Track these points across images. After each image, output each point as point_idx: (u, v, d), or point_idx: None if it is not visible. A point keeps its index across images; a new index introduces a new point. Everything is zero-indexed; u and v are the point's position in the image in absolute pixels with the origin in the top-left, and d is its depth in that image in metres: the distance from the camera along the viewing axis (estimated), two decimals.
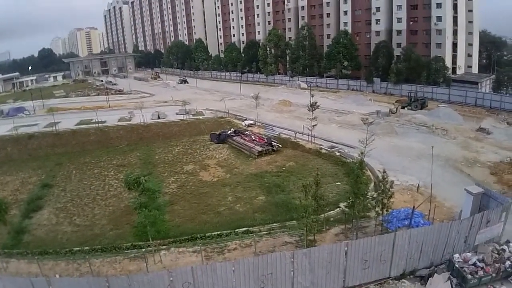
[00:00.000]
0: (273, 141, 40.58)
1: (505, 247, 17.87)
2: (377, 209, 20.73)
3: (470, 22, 76.19)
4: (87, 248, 24.02)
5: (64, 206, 31.05)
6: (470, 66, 78.48)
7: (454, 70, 72.38)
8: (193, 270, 14.65)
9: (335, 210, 25.82)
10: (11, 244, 25.27)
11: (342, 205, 25.95)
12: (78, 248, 24.11)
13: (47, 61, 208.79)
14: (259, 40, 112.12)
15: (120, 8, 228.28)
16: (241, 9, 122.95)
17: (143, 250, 21.30)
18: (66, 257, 23.17)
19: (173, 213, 27.25)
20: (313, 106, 38.10)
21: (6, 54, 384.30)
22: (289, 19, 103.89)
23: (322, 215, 23.19)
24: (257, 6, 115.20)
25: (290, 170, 34.19)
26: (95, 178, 36.97)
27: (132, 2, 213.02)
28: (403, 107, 56.01)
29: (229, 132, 45.43)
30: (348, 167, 33.11)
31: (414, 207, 21.20)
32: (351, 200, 21.52)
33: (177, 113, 58.31)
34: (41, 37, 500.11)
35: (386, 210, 20.65)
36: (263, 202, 27.99)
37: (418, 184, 28.76)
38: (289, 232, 22.61)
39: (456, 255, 17.37)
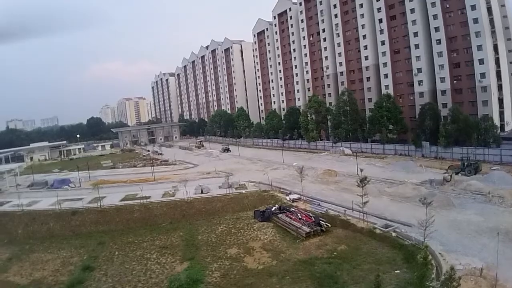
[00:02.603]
0: (321, 220, 38.15)
1: None
2: None
3: None
4: None
5: None
6: None
7: (502, 127, 68.86)
8: None
9: None
10: None
11: None
12: None
13: (95, 130, 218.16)
14: (299, 106, 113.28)
15: (167, 80, 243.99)
16: (280, 78, 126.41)
17: None
18: None
19: None
20: (363, 182, 35.83)
21: (54, 119, 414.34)
22: (329, 85, 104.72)
23: None
24: (296, 74, 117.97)
25: (342, 255, 31.47)
26: (137, 262, 36.05)
27: (178, 75, 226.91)
28: (456, 173, 52.38)
29: (273, 208, 43.67)
30: (406, 251, 30.28)
31: None
32: None
33: (220, 187, 57.61)
34: (90, 105, 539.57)
35: None
36: None
37: (482, 268, 25.56)
38: None
39: None
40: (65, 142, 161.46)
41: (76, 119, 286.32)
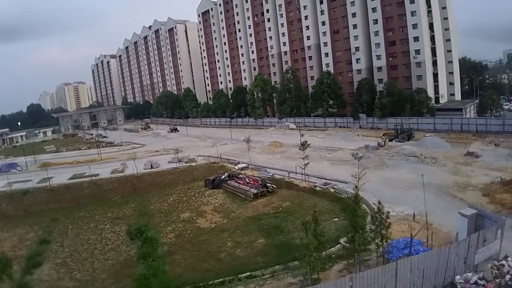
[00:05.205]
0: (268, 183, 40.97)
1: (504, 262, 18.06)
2: (376, 240, 21.02)
3: (449, 51, 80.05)
4: None
5: (64, 261, 30.81)
6: (452, 94, 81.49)
7: (437, 99, 75.00)
8: None
9: (336, 246, 25.87)
10: None
11: (342, 241, 26.07)
12: None
13: (36, 117, 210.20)
14: (246, 85, 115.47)
15: (108, 62, 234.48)
16: (226, 58, 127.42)
17: None
18: None
19: (173, 263, 26.92)
20: (303, 145, 38.97)
21: None
22: (274, 64, 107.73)
23: (324, 252, 23.26)
24: (242, 54, 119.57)
25: (287, 210, 34.36)
26: (91, 233, 36.62)
27: (120, 56, 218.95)
28: (390, 140, 57.34)
29: (223, 177, 45.75)
30: (344, 202, 33.77)
31: (412, 235, 21.57)
32: (350, 235, 21.83)
33: (169, 162, 58.57)
34: (29, 92, 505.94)
35: (385, 241, 20.91)
36: (263, 245, 27.94)
37: (414, 213, 29.08)
38: (293, 273, 22.56)
39: (458, 277, 17.52)
40: (7, 130, 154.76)
41: (16, 107, 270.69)
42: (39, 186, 53.16)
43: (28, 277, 28.22)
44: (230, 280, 23.50)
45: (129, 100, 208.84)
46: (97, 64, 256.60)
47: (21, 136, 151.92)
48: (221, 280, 23.61)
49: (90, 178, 53.30)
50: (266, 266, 24.49)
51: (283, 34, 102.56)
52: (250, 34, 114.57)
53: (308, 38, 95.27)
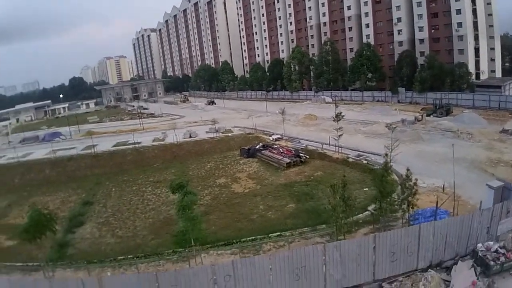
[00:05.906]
0: (301, 153, 41.97)
1: None
2: (403, 206, 21.64)
3: (491, 26, 76.22)
4: (131, 256, 25.74)
5: (106, 220, 33.00)
6: (493, 71, 78.14)
7: (477, 75, 72.30)
8: (234, 264, 16.07)
9: (364, 213, 26.73)
10: (56, 257, 26.60)
11: (370, 208, 26.89)
12: (122, 257, 25.82)
13: (78, 89, 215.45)
14: (283, 58, 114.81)
15: (148, 36, 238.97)
16: (264, 30, 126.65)
17: (186, 251, 22.81)
18: (111, 264, 24.80)
19: (209, 222, 28.85)
20: (338, 117, 39.28)
21: (35, 83, 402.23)
22: (312, 36, 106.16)
23: (351, 218, 24.13)
24: (280, 26, 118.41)
25: (318, 179, 35.36)
26: (134, 194, 39.11)
27: (160, 30, 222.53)
28: (428, 115, 56.31)
29: (258, 146, 47.18)
30: (375, 173, 34.19)
31: (437, 203, 22.06)
32: (378, 201, 22.58)
33: (207, 132, 60.76)
34: (70, 66, 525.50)
35: (412, 208, 21.47)
36: (293, 209, 29.29)
37: (443, 185, 29.32)
38: (320, 233, 23.75)
39: (479, 245, 17.90)
40: (49, 102, 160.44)
41: (57, 82, 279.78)
42: (84, 153, 56.59)
43: (70, 236, 30.32)
44: (261, 238, 25.09)
45: (168, 74, 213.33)
46: (137, 38, 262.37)
47: (64, 108, 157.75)
48: (252, 238, 25.28)
49: (133, 146, 56.45)
50: (295, 228, 25.89)
51: (323, 4, 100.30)
52: (289, 5, 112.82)
53: (349, 8, 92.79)
